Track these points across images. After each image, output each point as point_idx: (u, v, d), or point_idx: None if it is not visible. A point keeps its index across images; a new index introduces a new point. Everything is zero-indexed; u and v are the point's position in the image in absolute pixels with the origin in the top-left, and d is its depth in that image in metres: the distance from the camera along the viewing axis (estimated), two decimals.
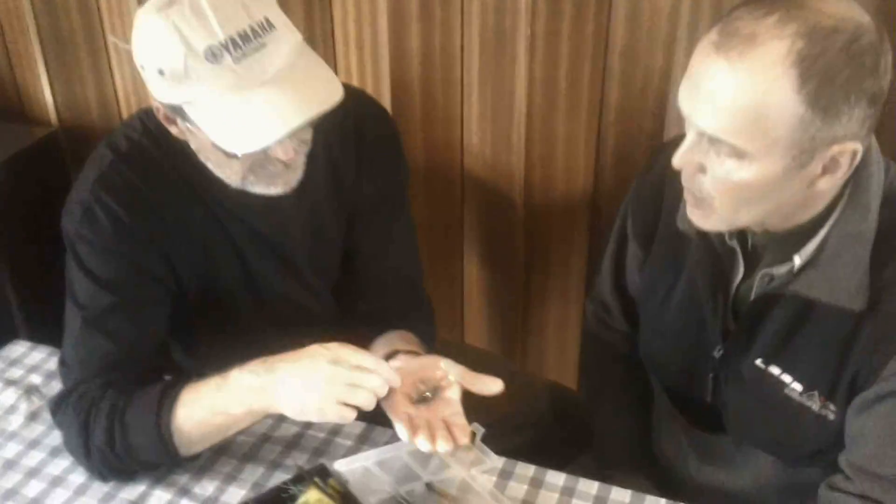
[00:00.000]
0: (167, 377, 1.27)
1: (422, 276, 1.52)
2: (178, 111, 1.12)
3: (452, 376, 1.17)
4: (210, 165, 1.21)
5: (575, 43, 1.74)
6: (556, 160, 1.88)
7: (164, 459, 1.21)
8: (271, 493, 1.16)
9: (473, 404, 1.30)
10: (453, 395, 1.16)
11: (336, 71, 1.92)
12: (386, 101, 1.91)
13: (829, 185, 1.03)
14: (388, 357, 1.27)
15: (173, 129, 1.18)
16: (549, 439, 1.52)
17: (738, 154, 0.99)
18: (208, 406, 1.17)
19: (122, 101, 2.20)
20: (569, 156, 1.86)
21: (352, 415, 1.08)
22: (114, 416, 1.19)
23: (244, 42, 1.05)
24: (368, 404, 1.08)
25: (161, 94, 1.11)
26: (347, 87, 1.47)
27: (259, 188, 1.21)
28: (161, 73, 1.08)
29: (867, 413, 1.09)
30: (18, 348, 1.53)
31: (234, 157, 1.13)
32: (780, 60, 0.93)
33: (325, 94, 1.11)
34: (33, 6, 2.16)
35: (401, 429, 1.12)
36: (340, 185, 1.37)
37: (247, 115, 1.06)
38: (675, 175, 1.10)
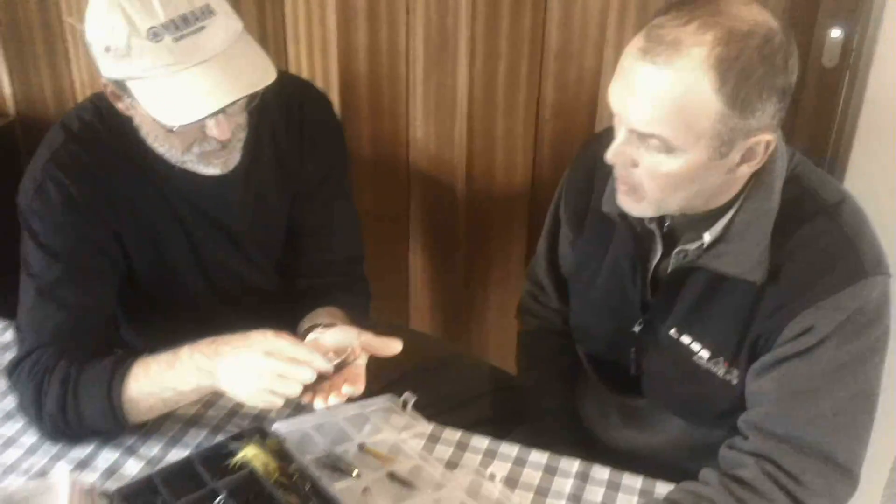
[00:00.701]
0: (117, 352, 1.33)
1: (361, 255, 1.60)
2: (121, 87, 1.20)
3: (358, 344, 1.24)
4: (151, 141, 1.29)
5: (513, 43, 1.84)
6: (496, 154, 1.98)
7: (112, 427, 1.28)
8: (212, 449, 1.23)
9: (414, 384, 1.41)
10: (360, 361, 1.23)
11: (286, 66, 2.01)
12: (334, 96, 2.00)
13: (747, 172, 1.15)
14: (309, 331, 1.35)
15: (119, 106, 1.26)
16: (486, 417, 1.60)
17: (667, 148, 1.09)
18: (158, 382, 1.24)
19: (77, 93, 2.25)
20: (508, 150, 1.96)
21: (279, 402, 1.17)
22: (67, 385, 1.26)
23: (184, 24, 1.14)
24: (294, 394, 1.16)
25: (107, 70, 1.20)
26: (294, 78, 1.57)
27: (199, 167, 1.29)
28: (107, 49, 1.16)
29: (764, 376, 1.19)
30: None
31: (171, 132, 1.22)
32: (701, 64, 1.04)
33: (258, 77, 1.20)
34: None
35: (302, 396, 1.19)
36: (284, 167, 1.46)
37: (181, 92, 1.15)
38: (604, 163, 1.20)
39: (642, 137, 1.10)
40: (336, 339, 1.26)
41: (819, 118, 1.72)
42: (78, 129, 1.34)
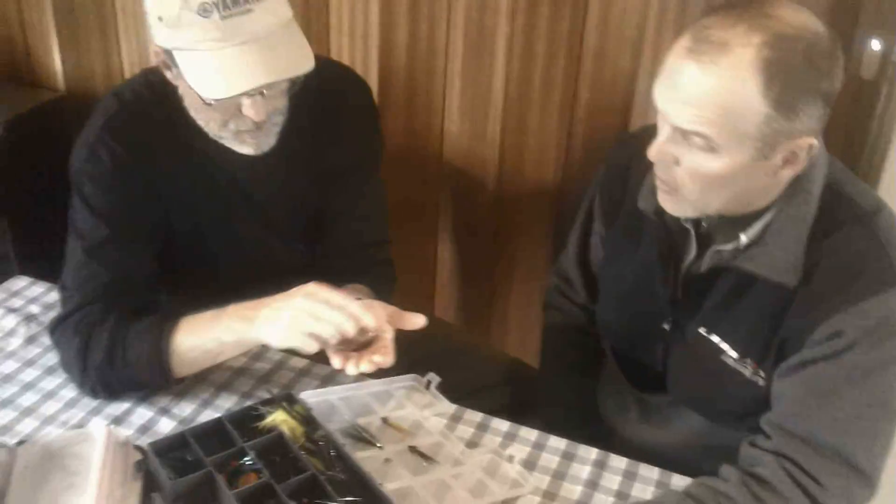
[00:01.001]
0: None
1: (387, 239, 1.64)
2: (169, 56, 1.27)
3: (384, 315, 1.27)
4: (193, 113, 1.35)
5: (550, 43, 1.89)
6: (528, 151, 2.02)
7: (157, 379, 1.33)
8: (242, 412, 1.28)
9: (435, 368, 1.44)
10: (388, 335, 1.26)
11: (329, 55, 2.06)
12: (373, 87, 2.03)
13: (788, 175, 1.16)
14: None
15: (168, 74, 1.33)
16: (504, 405, 1.64)
17: (710, 147, 1.11)
18: (204, 332, 1.29)
19: (126, 71, 2.33)
20: (540, 148, 2.01)
21: (313, 345, 1.19)
22: (115, 337, 1.32)
23: (233, 4, 1.20)
24: (329, 335, 1.18)
25: (158, 38, 1.27)
26: (334, 63, 1.63)
27: (234, 144, 1.36)
28: (160, 18, 1.23)
29: (789, 377, 1.20)
30: (19, 282, 1.65)
31: (209, 105, 1.28)
32: (748, 66, 1.06)
33: (295, 63, 1.26)
34: None
35: (334, 359, 1.23)
36: (320, 149, 1.51)
37: (220, 67, 1.21)
38: (639, 160, 1.23)
39: (686, 135, 1.12)
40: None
41: (855, 129, 1.73)
42: (130, 99, 1.41)
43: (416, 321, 1.26)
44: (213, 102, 1.27)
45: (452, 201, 2.16)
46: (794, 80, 1.06)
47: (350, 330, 1.18)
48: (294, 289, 1.24)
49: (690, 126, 1.10)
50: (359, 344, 1.24)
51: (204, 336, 1.29)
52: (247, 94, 1.25)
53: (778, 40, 1.06)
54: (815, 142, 1.12)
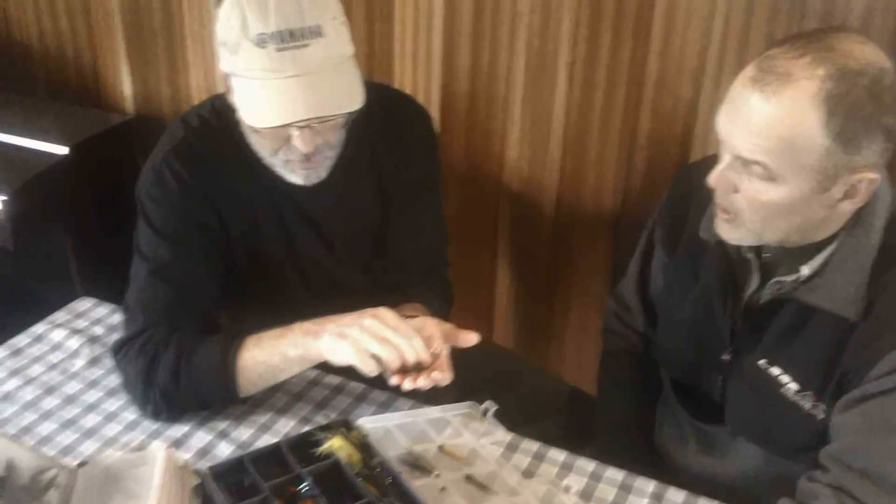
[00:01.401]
0: None
1: (446, 261, 1.66)
2: (228, 79, 1.31)
3: (440, 333, 1.28)
4: (248, 136, 1.38)
5: (611, 71, 1.88)
6: (587, 179, 2.01)
7: (222, 395, 1.35)
8: (300, 437, 1.29)
9: (492, 394, 1.44)
10: (444, 352, 1.27)
11: (392, 82, 2.08)
12: (434, 113, 2.07)
13: (849, 209, 1.16)
14: None
15: (230, 98, 1.35)
16: (560, 433, 1.63)
17: (769, 176, 1.12)
18: (269, 348, 1.31)
19: (193, 97, 2.39)
20: (599, 176, 2.00)
21: (374, 367, 1.21)
22: (181, 355, 1.34)
23: (290, 38, 1.22)
24: (391, 360, 1.20)
25: (221, 61, 1.30)
26: (396, 91, 1.65)
27: (283, 172, 1.38)
28: (222, 43, 1.27)
29: (849, 411, 1.19)
30: (84, 303, 1.68)
31: (258, 132, 1.31)
32: (811, 97, 1.06)
33: (341, 100, 1.28)
34: (121, 4, 2.37)
35: (392, 378, 1.23)
36: (381, 176, 1.53)
37: (266, 97, 1.24)
38: (701, 190, 1.23)
39: (746, 164, 1.13)
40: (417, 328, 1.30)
41: None
42: (197, 125, 1.44)
43: (470, 338, 1.27)
44: (261, 129, 1.30)
45: (511, 227, 2.16)
46: (857, 114, 1.06)
47: (411, 359, 1.20)
48: (363, 310, 1.26)
49: (751, 155, 1.11)
50: (414, 364, 1.25)
51: (270, 351, 1.31)
52: (295, 125, 1.27)
53: (842, 74, 1.05)
54: (876, 176, 1.11)
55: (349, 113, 1.31)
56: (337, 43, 1.27)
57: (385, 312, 1.24)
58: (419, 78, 2.08)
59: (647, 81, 1.86)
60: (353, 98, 1.28)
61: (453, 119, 2.08)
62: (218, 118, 1.44)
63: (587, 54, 1.89)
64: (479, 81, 2.02)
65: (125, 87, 2.47)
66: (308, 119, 1.26)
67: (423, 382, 1.22)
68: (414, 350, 1.21)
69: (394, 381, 1.23)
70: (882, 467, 1.16)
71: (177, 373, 1.33)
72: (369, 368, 1.21)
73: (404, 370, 1.22)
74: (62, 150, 2.24)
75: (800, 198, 1.12)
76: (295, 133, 1.30)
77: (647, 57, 1.84)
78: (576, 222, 2.06)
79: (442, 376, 1.23)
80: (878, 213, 1.19)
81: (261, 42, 1.22)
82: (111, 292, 1.67)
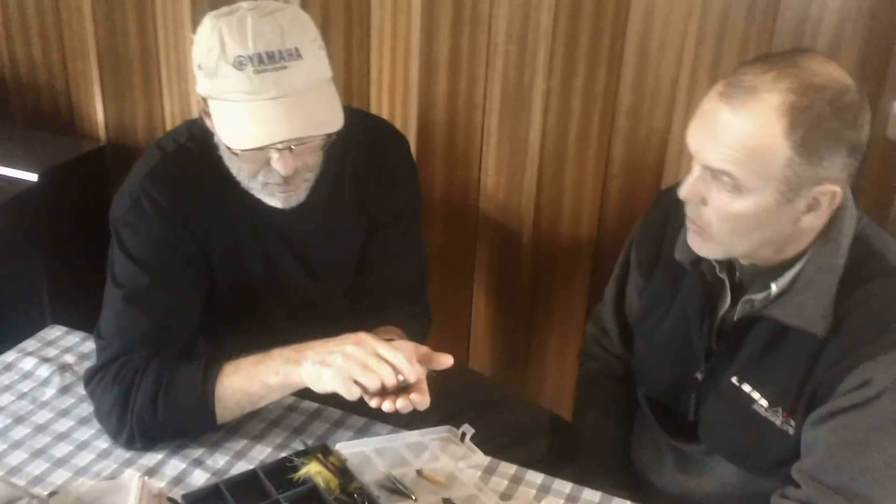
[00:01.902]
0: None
1: (425, 285, 1.66)
2: (206, 103, 1.30)
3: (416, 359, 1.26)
4: (226, 161, 1.37)
5: (586, 100, 1.91)
6: (564, 206, 2.03)
7: (201, 422, 1.33)
8: (277, 463, 1.28)
9: (470, 420, 1.43)
10: (421, 376, 1.26)
11: (369, 109, 2.09)
12: (411, 141, 2.05)
13: (812, 223, 1.19)
14: None
15: (208, 122, 1.35)
16: (539, 457, 1.62)
17: (736, 187, 1.15)
18: (248, 375, 1.31)
19: (168, 123, 2.37)
20: (575, 203, 2.01)
21: (356, 392, 1.21)
22: (160, 381, 1.32)
23: (269, 60, 1.22)
24: (373, 387, 1.20)
25: (199, 85, 1.30)
26: (376, 118, 1.66)
27: (262, 195, 1.37)
28: (199, 66, 1.27)
29: (820, 426, 1.21)
30: (55, 332, 1.66)
31: (237, 155, 1.30)
32: (774, 109, 1.10)
33: (321, 122, 1.27)
34: (96, 31, 2.36)
35: (371, 400, 1.23)
36: (362, 202, 1.53)
37: (247, 119, 1.24)
38: (677, 213, 1.26)
39: (715, 175, 1.16)
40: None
41: (882, 189, 1.74)
42: (173, 150, 1.43)
43: (445, 361, 1.26)
44: (240, 153, 1.29)
45: (488, 254, 2.16)
46: (818, 126, 1.09)
47: (393, 382, 1.20)
48: (344, 336, 1.26)
49: (718, 165, 1.14)
50: (394, 387, 1.24)
51: (249, 378, 1.30)
52: (274, 147, 1.27)
53: (804, 88, 1.10)
54: (838, 190, 1.15)
55: (328, 135, 1.30)
56: (316, 65, 1.28)
57: (367, 338, 1.24)
58: (396, 106, 2.08)
59: (620, 110, 1.89)
60: (333, 119, 1.28)
61: (430, 147, 2.09)
62: (195, 143, 1.43)
63: (562, 84, 1.91)
64: (456, 110, 2.04)
65: (98, 114, 2.46)
66: (289, 140, 1.26)
67: (401, 404, 1.22)
68: (394, 375, 1.20)
69: (373, 403, 1.22)
70: (853, 483, 1.17)
71: (155, 400, 1.31)
72: (350, 395, 1.21)
73: (384, 392, 1.22)
74: (31, 177, 2.22)
75: (765, 209, 1.15)
76: (275, 156, 1.29)
77: (621, 87, 1.87)
78: (553, 249, 2.07)
79: (421, 399, 1.22)
80: (845, 231, 1.22)
81: (239, 64, 1.22)
82: (82, 319, 1.65)
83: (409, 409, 1.22)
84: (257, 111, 1.23)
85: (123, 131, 2.45)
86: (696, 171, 1.19)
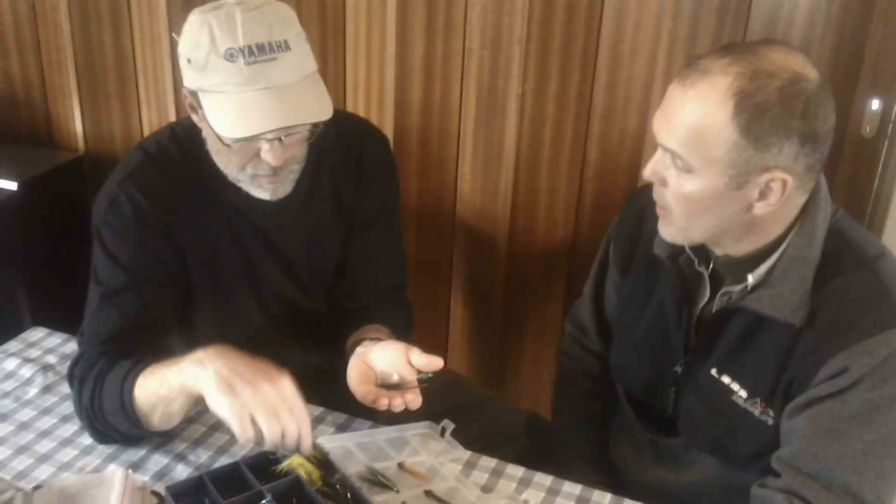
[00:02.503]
0: None
1: (405, 283, 1.67)
2: (195, 97, 1.32)
3: (406, 360, 1.28)
4: (213, 155, 1.39)
5: (560, 105, 1.95)
6: (539, 210, 2.06)
7: (127, 425, 1.30)
8: (259, 456, 1.28)
9: (451, 417, 1.45)
10: (412, 377, 1.28)
11: None
12: None
13: (764, 211, 1.20)
14: (356, 344, 1.40)
15: (194, 117, 1.37)
16: (518, 457, 1.63)
17: (687, 168, 1.18)
18: (159, 377, 1.26)
19: (145, 133, 2.39)
20: (551, 206, 2.05)
21: (251, 435, 1.14)
22: (97, 380, 1.32)
23: (259, 52, 1.25)
24: (272, 437, 1.14)
25: (187, 80, 1.31)
26: (354, 116, 1.68)
27: (250, 188, 1.39)
28: (189, 61, 1.29)
29: (797, 416, 1.23)
30: (37, 333, 1.66)
31: (229, 147, 1.32)
32: (721, 92, 1.13)
33: (314, 110, 1.30)
34: (73, 42, 2.38)
35: (364, 400, 1.25)
36: (341, 199, 1.54)
37: (241, 108, 1.26)
38: (653, 210, 1.28)
39: (671, 157, 1.19)
40: (384, 355, 1.32)
41: (857, 187, 1.79)
42: (154, 151, 1.44)
43: (436, 363, 1.27)
44: (231, 144, 1.31)
45: (465, 258, 2.19)
46: (763, 112, 1.11)
47: (291, 444, 1.17)
48: (266, 368, 1.19)
49: (669, 145, 1.18)
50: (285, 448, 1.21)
51: (159, 379, 1.25)
52: (265, 139, 1.29)
53: (754, 74, 1.12)
54: (789, 178, 1.16)
55: (314, 126, 1.33)
56: (303, 57, 1.31)
57: (287, 385, 1.17)
58: (372, 112, 2.11)
59: (594, 114, 1.93)
60: (323, 109, 1.31)
61: (406, 153, 2.11)
62: (177, 144, 1.45)
63: (536, 88, 1.95)
64: (431, 116, 2.07)
65: (76, 124, 2.47)
66: (282, 129, 1.28)
67: (397, 402, 1.24)
68: (299, 437, 1.16)
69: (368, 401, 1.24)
70: (831, 470, 1.19)
71: (92, 398, 1.32)
72: (246, 436, 1.14)
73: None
74: (11, 186, 2.24)
75: (714, 192, 1.17)
76: (265, 147, 1.31)
77: (595, 90, 1.91)
78: (529, 252, 2.10)
79: (414, 398, 1.25)
80: (819, 223, 1.24)
81: (230, 57, 1.24)
82: (61, 325, 1.66)
83: (402, 408, 1.24)
84: (250, 101, 1.25)
85: (101, 141, 2.47)
86: (657, 152, 1.22)
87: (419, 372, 1.28)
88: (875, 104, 1.73)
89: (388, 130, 2.10)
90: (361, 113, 2.12)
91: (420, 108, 2.07)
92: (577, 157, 1.98)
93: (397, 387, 1.28)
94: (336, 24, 2.07)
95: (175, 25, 1.35)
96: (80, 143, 2.48)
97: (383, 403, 1.23)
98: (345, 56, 2.09)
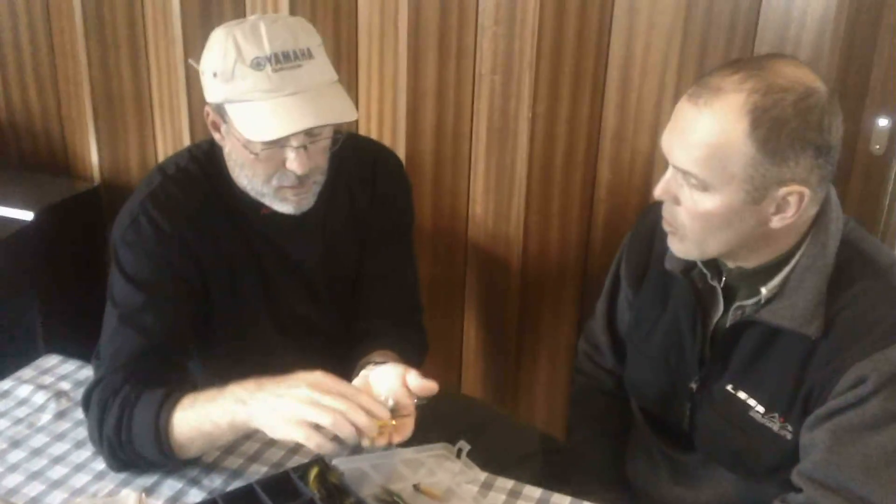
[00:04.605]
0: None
1: (420, 306, 1.67)
2: (220, 111, 1.34)
3: (401, 382, 1.25)
4: (237, 173, 1.40)
5: (571, 126, 1.95)
6: (552, 232, 2.06)
7: (158, 456, 1.29)
8: (274, 478, 1.27)
9: (466, 439, 1.43)
10: (409, 405, 1.25)
11: None
12: None
13: (781, 225, 1.20)
14: (362, 367, 1.38)
15: (216, 136, 1.39)
16: (534, 478, 1.62)
17: (703, 186, 1.17)
18: (200, 413, 1.26)
19: None
20: (563, 229, 2.05)
21: (313, 436, 1.13)
22: (124, 408, 1.31)
23: (285, 59, 1.29)
24: (329, 424, 1.12)
25: (211, 93, 1.34)
26: (369, 139, 1.70)
27: (275, 202, 1.40)
28: (214, 74, 1.31)
29: (817, 428, 1.21)
30: (51, 360, 1.66)
31: (256, 157, 1.34)
32: (737, 109, 1.13)
33: (341, 111, 1.34)
34: (90, 74, 2.41)
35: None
36: (357, 218, 1.56)
37: (272, 112, 1.28)
38: (663, 226, 1.28)
39: (684, 176, 1.19)
40: (383, 379, 1.28)
41: (868, 204, 1.78)
42: (174, 173, 1.46)
43: (429, 387, 1.23)
44: (259, 153, 1.33)
45: (478, 281, 2.19)
46: (780, 126, 1.11)
47: (361, 421, 1.14)
48: (298, 375, 1.19)
49: (684, 166, 1.17)
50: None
51: (201, 416, 1.25)
52: (291, 146, 1.31)
53: (768, 88, 1.12)
54: (806, 191, 1.16)
55: (337, 134, 1.36)
56: (325, 66, 1.35)
57: (322, 377, 1.17)
58: (385, 137, 2.12)
59: (605, 134, 1.93)
60: (350, 110, 1.34)
61: (419, 178, 2.12)
62: (197, 165, 1.47)
63: (547, 111, 1.95)
64: (443, 140, 2.08)
65: (93, 155, 2.50)
66: (310, 132, 1.31)
67: (381, 442, 1.19)
68: (360, 411, 1.14)
69: (365, 443, 1.19)
70: (853, 483, 1.17)
71: (119, 427, 1.30)
72: (315, 443, 1.14)
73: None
74: (27, 216, 2.27)
75: (732, 208, 1.17)
76: (290, 156, 1.33)
77: (605, 111, 1.92)
78: (542, 275, 2.10)
79: (402, 428, 1.21)
80: (832, 233, 1.23)
81: (257, 65, 1.28)
82: (75, 352, 1.66)
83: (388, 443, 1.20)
84: (278, 106, 1.28)
85: (117, 172, 2.49)
86: (668, 171, 1.22)
87: (416, 397, 1.25)
88: (883, 122, 1.73)
89: (401, 155, 2.11)
90: (375, 137, 2.13)
91: (432, 132, 2.08)
92: (588, 178, 1.98)
93: (394, 412, 1.24)
94: (349, 50, 2.10)
95: (191, 53, 1.37)
96: (97, 174, 2.51)
97: (364, 442, 1.19)
98: (357, 82, 2.11)
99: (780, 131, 1.12)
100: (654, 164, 1.90)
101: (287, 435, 1.16)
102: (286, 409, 1.15)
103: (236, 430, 1.25)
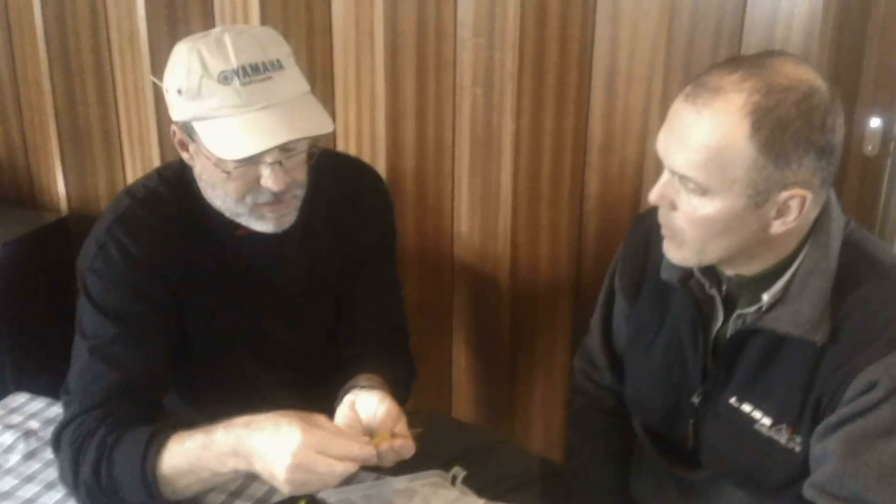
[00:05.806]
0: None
1: (406, 329, 1.60)
2: (188, 129, 1.26)
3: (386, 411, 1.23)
4: (209, 192, 1.33)
5: (556, 138, 1.90)
6: (540, 247, 1.99)
7: (147, 500, 1.23)
8: None
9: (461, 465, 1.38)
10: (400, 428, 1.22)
11: None
12: None
13: (782, 229, 1.15)
14: (347, 391, 1.33)
15: (185, 155, 1.32)
16: (534, 502, 1.56)
17: (702, 190, 1.11)
18: (194, 461, 1.20)
19: None
20: (552, 243, 1.98)
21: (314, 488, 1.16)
22: (103, 451, 1.23)
23: (253, 71, 1.22)
24: (332, 486, 1.16)
25: (177, 112, 1.26)
26: (349, 156, 1.64)
27: (251, 221, 1.32)
28: (179, 91, 1.24)
29: (829, 437, 1.16)
30: (19, 398, 1.58)
31: (228, 175, 1.26)
32: (738, 110, 1.07)
33: (316, 124, 1.26)
34: (55, 103, 2.34)
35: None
36: (338, 238, 1.49)
37: (243, 128, 1.21)
38: (658, 234, 1.23)
39: (682, 180, 1.13)
40: (371, 409, 1.24)
41: (862, 205, 1.74)
42: (142, 195, 1.38)
43: (407, 451, 1.20)
44: (232, 171, 1.25)
45: (466, 301, 2.12)
46: (784, 128, 1.06)
47: (343, 475, 1.14)
48: (287, 421, 1.14)
49: (682, 170, 1.12)
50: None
51: (196, 464, 1.20)
52: (265, 163, 1.24)
53: (770, 88, 1.07)
54: (808, 194, 1.11)
55: (313, 147, 1.30)
56: (297, 77, 1.28)
57: (304, 440, 1.12)
58: (365, 154, 2.06)
59: (592, 145, 1.88)
60: (324, 122, 1.27)
61: (401, 196, 2.05)
62: (167, 186, 1.39)
63: (531, 123, 1.90)
64: (425, 157, 2.02)
65: (59, 186, 2.42)
66: (284, 148, 1.24)
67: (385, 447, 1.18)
68: (355, 464, 1.14)
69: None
70: (869, 492, 1.12)
71: (98, 470, 1.23)
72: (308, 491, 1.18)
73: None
74: None
75: (733, 213, 1.12)
76: (265, 172, 1.26)
77: (591, 122, 1.86)
78: (532, 291, 2.03)
79: (405, 449, 1.19)
80: (834, 235, 1.19)
81: (224, 80, 1.21)
82: (45, 388, 1.59)
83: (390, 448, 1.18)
84: (249, 122, 1.21)
85: (86, 201, 2.42)
86: (664, 175, 1.17)
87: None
88: (875, 122, 1.69)
89: (382, 172, 2.02)
90: (354, 154, 2.07)
91: (413, 148, 2.02)
92: (576, 190, 1.93)
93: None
94: (324, 66, 2.04)
95: (159, 78, 1.31)
96: (64, 204, 2.43)
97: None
98: (334, 98, 2.05)
99: (783, 133, 1.06)
100: (643, 173, 1.85)
101: (291, 492, 1.16)
102: (284, 480, 1.13)
103: (239, 473, 1.22)
